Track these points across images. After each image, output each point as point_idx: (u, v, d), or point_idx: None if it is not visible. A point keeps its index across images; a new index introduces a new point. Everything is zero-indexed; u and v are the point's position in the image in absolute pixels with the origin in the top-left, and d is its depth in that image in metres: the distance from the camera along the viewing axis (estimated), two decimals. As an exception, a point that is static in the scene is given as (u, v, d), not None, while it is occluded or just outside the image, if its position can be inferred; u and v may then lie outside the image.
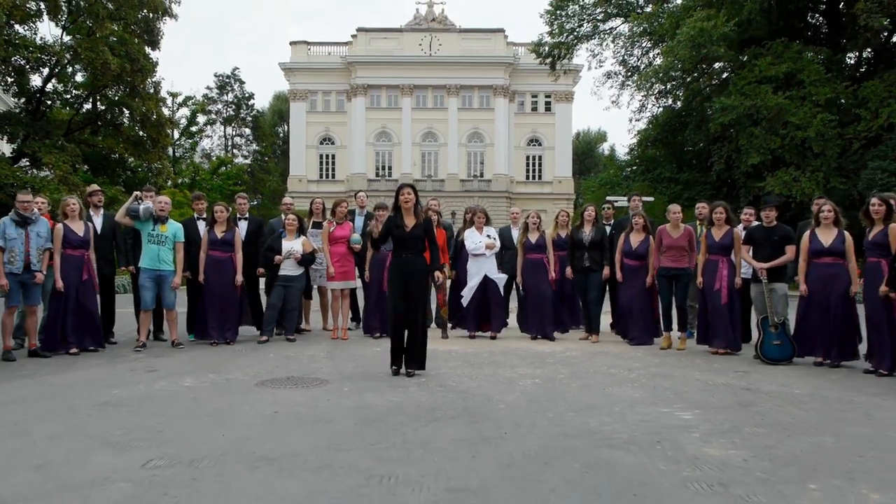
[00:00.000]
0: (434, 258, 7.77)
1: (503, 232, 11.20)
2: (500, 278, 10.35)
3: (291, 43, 65.60)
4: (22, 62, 26.33)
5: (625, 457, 4.52)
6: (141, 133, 29.03)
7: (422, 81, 63.62)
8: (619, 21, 33.68)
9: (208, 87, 47.60)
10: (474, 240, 10.34)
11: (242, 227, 10.26)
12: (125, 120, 29.22)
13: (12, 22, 24.84)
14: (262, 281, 10.61)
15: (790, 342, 8.48)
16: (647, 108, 30.42)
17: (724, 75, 27.34)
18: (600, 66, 37.74)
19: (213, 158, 39.75)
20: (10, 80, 28.17)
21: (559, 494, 3.81)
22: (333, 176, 65.36)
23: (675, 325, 9.81)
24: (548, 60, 33.88)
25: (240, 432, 5.07)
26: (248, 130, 45.53)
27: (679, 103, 30.17)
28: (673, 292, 9.62)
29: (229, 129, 48.65)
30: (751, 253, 9.01)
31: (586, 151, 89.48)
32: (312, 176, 65.09)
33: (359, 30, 64.50)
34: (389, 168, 64.50)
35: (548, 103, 64.90)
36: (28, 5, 25.84)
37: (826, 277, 8.20)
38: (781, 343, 8.44)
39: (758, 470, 4.26)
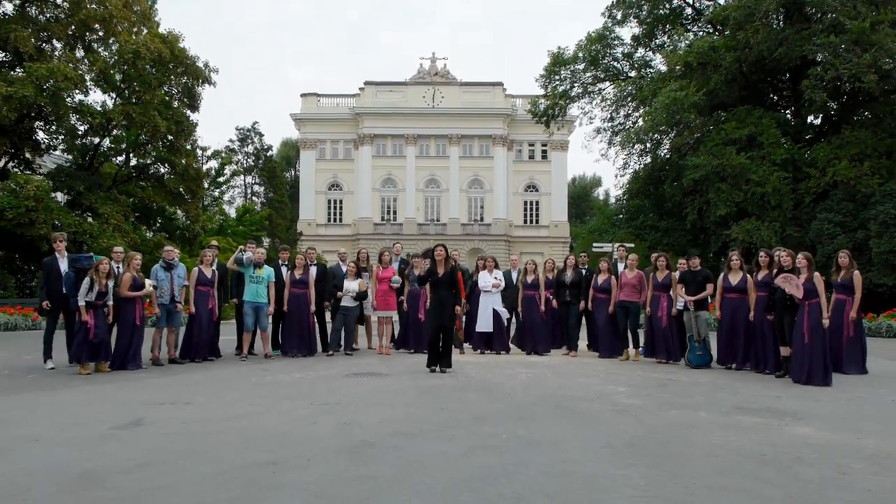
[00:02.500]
0: (458, 295, 11.36)
1: (506, 274, 14.72)
2: (503, 312, 13.88)
3: (302, 95, 69.68)
4: (82, 126, 29.97)
5: (579, 403, 8.02)
6: (180, 187, 32.71)
7: (425, 131, 67.71)
8: (606, 84, 37.56)
9: (231, 140, 51.50)
10: (486, 280, 13.86)
11: (312, 270, 13.73)
12: (167, 174, 32.89)
13: (76, 91, 28.66)
14: (327, 313, 14.11)
15: (709, 353, 12.00)
16: (629, 166, 34.20)
17: (699, 134, 30.93)
18: (591, 123, 41.90)
19: (237, 207, 43.33)
20: (62, 137, 31.93)
21: (540, 414, 7.30)
22: (341, 220, 69.07)
23: (631, 344, 13.34)
24: (543, 119, 37.68)
25: (351, 395, 8.57)
26: (265, 179, 49.21)
27: (659, 160, 33.86)
28: (628, 319, 13.17)
29: (248, 178, 52.47)
30: (683, 290, 12.49)
31: (582, 196, 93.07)
32: (321, 220, 68.78)
33: (366, 83, 68.70)
34: (394, 213, 68.26)
35: (544, 152, 68.53)
36: (86, 75, 29.68)
37: (733, 307, 11.73)
38: (702, 353, 11.96)
39: (649, 407, 7.77)
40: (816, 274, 10.21)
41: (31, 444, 5.81)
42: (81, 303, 10.55)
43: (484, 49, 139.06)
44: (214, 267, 12.73)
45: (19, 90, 25.33)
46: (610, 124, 37.08)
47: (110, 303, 10.94)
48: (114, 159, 34.84)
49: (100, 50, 31.18)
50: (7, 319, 22.24)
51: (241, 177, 51.61)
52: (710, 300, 12.51)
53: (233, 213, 52.05)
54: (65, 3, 29.92)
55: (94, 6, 28.60)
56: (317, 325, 13.79)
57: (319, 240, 66.84)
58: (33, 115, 28.07)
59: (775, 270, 10.98)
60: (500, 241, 67.10)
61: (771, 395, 8.89)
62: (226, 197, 50.84)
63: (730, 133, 27.98)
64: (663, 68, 36.05)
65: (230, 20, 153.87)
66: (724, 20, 28.91)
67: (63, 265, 11.54)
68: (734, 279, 11.84)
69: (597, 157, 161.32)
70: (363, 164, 67.84)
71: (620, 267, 14.03)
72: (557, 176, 69.27)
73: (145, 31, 31.16)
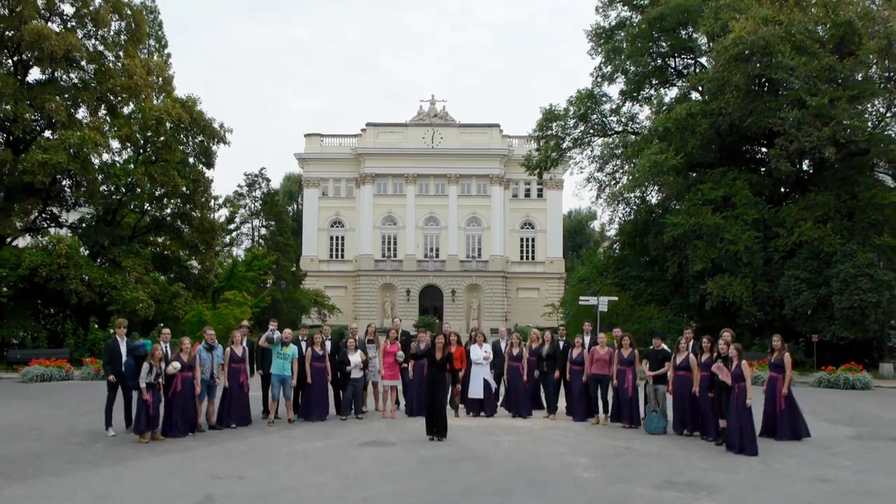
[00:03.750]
0: (454, 377, 13.72)
1: (495, 345, 16.98)
2: (492, 382, 16.14)
3: (306, 135, 72.47)
4: (107, 183, 32.25)
5: (546, 475, 10.28)
6: (196, 239, 35.03)
7: (425, 171, 70.45)
8: (595, 138, 39.95)
9: (239, 185, 54.22)
10: (476, 353, 16.12)
11: (327, 344, 15.97)
12: (184, 227, 35.18)
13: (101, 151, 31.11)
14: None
15: (665, 421, 14.25)
16: (615, 221, 36.67)
17: (678, 193, 33.33)
18: (581, 172, 44.37)
19: (245, 249, 45.69)
20: (81, 190, 34.05)
21: (513, 488, 9.54)
22: (342, 256, 71.62)
23: (601, 409, 15.60)
24: (536, 171, 40.20)
25: (367, 467, 10.82)
26: (273, 223, 51.82)
27: (644, 210, 36.18)
28: (599, 388, 15.44)
29: (256, 222, 55.08)
30: (647, 365, 14.74)
31: (577, 229, 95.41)
32: (323, 256, 71.35)
33: (368, 124, 71.43)
34: (395, 250, 70.71)
35: (540, 190, 70.81)
36: (112, 139, 32.18)
37: (681, 383, 14.00)
38: (658, 421, 14.21)
39: (600, 480, 10.03)
40: (745, 362, 12.50)
41: (140, 519, 8.06)
42: (143, 384, 12.80)
43: (484, 72, 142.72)
44: (244, 344, 15.02)
45: (53, 157, 27.71)
46: (600, 174, 39.42)
47: (161, 380, 13.18)
48: (132, 205, 37.05)
49: (124, 110, 33.65)
50: (43, 371, 24.47)
51: (250, 220, 54.19)
52: (668, 375, 14.77)
53: (241, 253, 54.60)
54: (91, 66, 32.31)
55: (121, 76, 30.99)
56: (331, 392, 16.05)
57: (321, 275, 69.42)
58: (61, 177, 30.37)
59: (715, 354, 13.27)
60: (497, 277, 69.67)
61: (701, 466, 11.14)
62: (234, 239, 53.35)
63: (706, 194, 30.32)
64: (648, 123, 38.58)
65: (231, 49, 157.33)
66: (700, 88, 31.41)
67: (122, 346, 13.86)
68: (680, 359, 14.14)
69: (588, 203, 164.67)
70: (364, 203, 70.39)
71: (587, 340, 16.23)
72: (553, 214, 71.88)
73: (164, 94, 33.59)
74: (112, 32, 33.04)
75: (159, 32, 47.18)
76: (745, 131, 30.89)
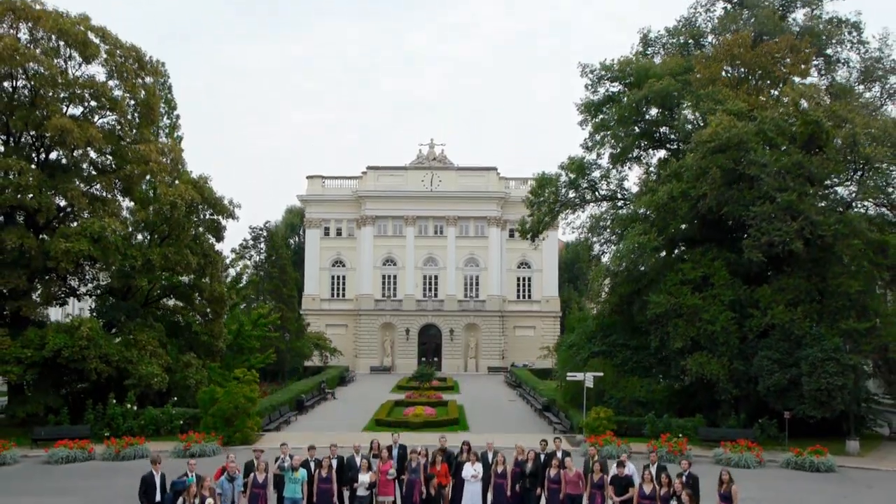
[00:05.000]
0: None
1: (483, 456, 18.92)
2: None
3: (308, 177, 74.91)
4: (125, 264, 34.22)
5: None
6: (206, 309, 37.06)
7: (423, 213, 72.80)
8: (587, 204, 41.99)
9: (245, 240, 56.39)
10: (468, 470, 18.10)
11: (333, 463, 17.95)
12: (195, 295, 37.17)
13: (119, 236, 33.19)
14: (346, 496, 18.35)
15: (630, 542, 16.28)
16: (601, 296, 38.67)
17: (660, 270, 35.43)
18: (573, 232, 46.36)
19: (252, 310, 47.58)
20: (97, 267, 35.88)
21: None
22: (343, 295, 73.86)
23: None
24: (529, 235, 42.40)
25: None
26: (276, 274, 53.79)
27: (630, 279, 38.16)
28: (573, 509, 17.47)
29: (261, 273, 57.00)
30: (613, 491, 16.73)
31: (574, 261, 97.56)
32: (325, 295, 73.61)
33: (368, 167, 73.74)
34: (394, 289, 72.85)
35: (536, 230, 72.68)
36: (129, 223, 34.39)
37: (644, 510, 16.03)
38: (625, 542, 16.23)
39: None
40: (695, 506, 14.55)
41: None
42: (174, 517, 14.88)
43: (483, 72, 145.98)
44: (265, 470, 17.01)
45: (76, 245, 29.76)
46: (591, 235, 41.37)
47: (195, 514, 15.23)
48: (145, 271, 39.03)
49: (140, 186, 35.81)
50: (67, 453, 26.38)
51: (256, 273, 56.20)
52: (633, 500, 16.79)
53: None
54: (108, 147, 34.26)
55: (137, 163, 33.01)
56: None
57: (322, 314, 71.61)
58: (84, 261, 32.43)
59: (672, 490, 15.28)
60: (494, 316, 71.78)
61: None
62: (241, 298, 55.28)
63: (686, 274, 32.30)
64: (635, 188, 40.71)
65: (231, 57, 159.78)
66: (681, 174, 33.46)
67: (157, 480, 15.94)
68: (647, 489, 16.15)
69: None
70: (365, 243, 72.59)
71: (559, 454, 18.19)
72: (548, 254, 73.78)
73: (176, 175, 35.66)
74: (127, 114, 35.08)
75: (168, 95, 49.23)
76: (722, 216, 32.90)
